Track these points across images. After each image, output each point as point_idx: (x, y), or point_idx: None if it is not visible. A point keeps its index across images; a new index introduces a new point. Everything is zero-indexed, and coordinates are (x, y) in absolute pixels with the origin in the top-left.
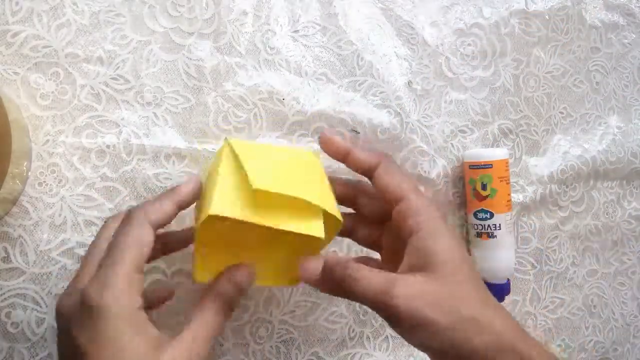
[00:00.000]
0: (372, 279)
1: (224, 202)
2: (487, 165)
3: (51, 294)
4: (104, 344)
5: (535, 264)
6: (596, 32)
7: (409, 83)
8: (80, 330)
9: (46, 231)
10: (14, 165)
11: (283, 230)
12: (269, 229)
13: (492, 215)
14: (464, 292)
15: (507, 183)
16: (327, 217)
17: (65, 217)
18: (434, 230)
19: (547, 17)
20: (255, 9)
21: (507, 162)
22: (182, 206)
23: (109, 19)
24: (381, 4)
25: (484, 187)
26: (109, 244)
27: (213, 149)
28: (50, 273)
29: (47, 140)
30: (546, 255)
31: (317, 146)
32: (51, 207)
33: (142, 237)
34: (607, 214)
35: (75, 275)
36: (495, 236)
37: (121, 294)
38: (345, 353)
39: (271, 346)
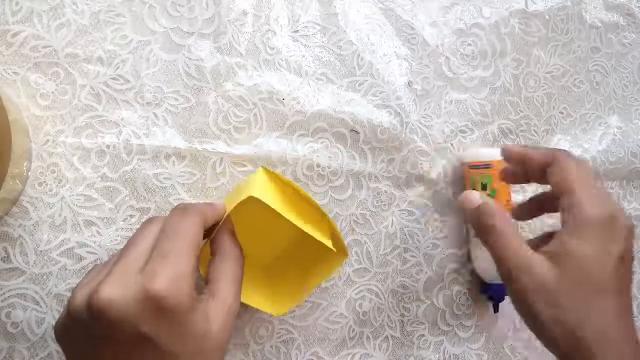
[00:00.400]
0: (508, 251)
1: (263, 193)
2: (488, 165)
3: (51, 294)
4: (189, 339)
5: None
6: (596, 32)
7: (409, 83)
8: (161, 331)
9: (46, 231)
10: (14, 165)
11: (298, 249)
12: (287, 245)
13: None
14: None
15: (501, 179)
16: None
17: (65, 217)
18: (588, 232)
19: (547, 17)
20: (255, 9)
21: None
22: (217, 221)
23: (109, 19)
24: (381, 4)
25: (484, 187)
26: (167, 231)
27: (213, 149)
28: (50, 273)
29: (47, 140)
30: None
31: (317, 146)
32: (51, 207)
33: (200, 231)
34: None
35: (111, 264)
36: None
37: (191, 287)
38: (345, 353)
39: (271, 346)
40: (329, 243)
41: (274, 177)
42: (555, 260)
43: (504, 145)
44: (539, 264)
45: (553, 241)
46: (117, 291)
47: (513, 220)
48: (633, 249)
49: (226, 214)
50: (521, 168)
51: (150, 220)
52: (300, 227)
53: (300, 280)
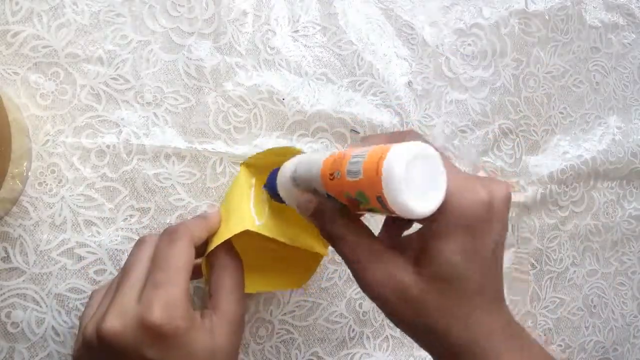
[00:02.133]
0: (353, 248)
1: (255, 218)
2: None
3: (51, 294)
4: (196, 357)
5: (535, 264)
6: (596, 32)
7: (409, 83)
8: (166, 355)
9: (46, 231)
10: (14, 165)
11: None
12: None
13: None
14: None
15: None
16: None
17: (65, 217)
18: (449, 223)
19: (547, 17)
20: (255, 9)
21: None
22: (210, 233)
23: (109, 19)
24: (381, 4)
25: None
26: (158, 261)
27: (213, 149)
28: (50, 273)
29: (47, 140)
30: (546, 255)
31: (316, 146)
32: (51, 207)
33: (190, 253)
34: (607, 214)
35: (112, 291)
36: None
37: (187, 310)
38: (345, 353)
39: (271, 346)
40: (320, 249)
41: (257, 172)
42: (420, 264)
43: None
44: (403, 273)
45: (418, 239)
46: (118, 322)
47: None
48: (506, 230)
49: (219, 236)
50: None
51: (142, 242)
52: (291, 243)
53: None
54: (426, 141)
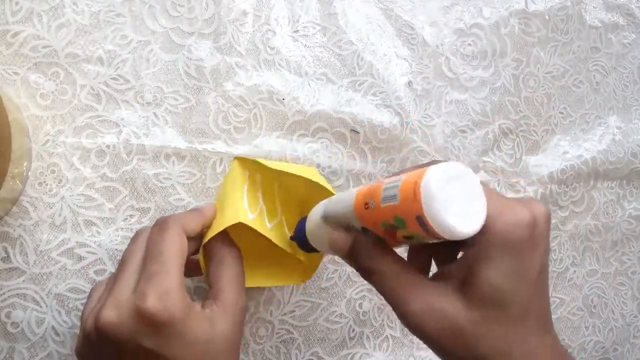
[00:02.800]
0: (392, 281)
1: (247, 211)
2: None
3: (51, 294)
4: (195, 346)
5: None
6: (596, 32)
7: (409, 83)
8: (164, 344)
9: (46, 231)
10: (14, 165)
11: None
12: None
13: None
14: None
15: None
16: None
17: (65, 217)
18: (492, 246)
19: (547, 17)
20: (255, 9)
21: None
22: (205, 226)
23: (109, 19)
24: (381, 4)
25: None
26: (150, 251)
27: (213, 149)
28: (50, 273)
29: (47, 140)
30: None
31: (316, 146)
32: (51, 207)
33: (182, 242)
34: (607, 214)
35: (111, 284)
36: None
37: (182, 298)
38: (345, 353)
39: (271, 346)
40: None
41: (251, 167)
42: (464, 292)
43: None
44: (446, 302)
45: (459, 266)
46: (114, 313)
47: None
48: (549, 251)
49: (213, 228)
50: None
51: (137, 234)
52: (282, 246)
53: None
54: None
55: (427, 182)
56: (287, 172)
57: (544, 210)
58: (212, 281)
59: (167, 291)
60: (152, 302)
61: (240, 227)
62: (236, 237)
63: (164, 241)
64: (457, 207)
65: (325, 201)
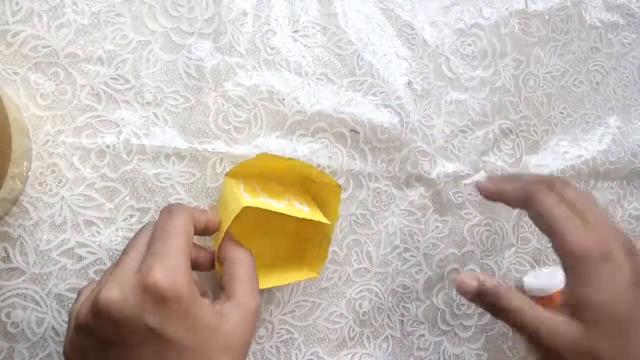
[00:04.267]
0: (524, 315)
1: (247, 197)
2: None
3: (51, 294)
4: (199, 331)
5: (534, 264)
6: (596, 32)
7: (409, 83)
8: (167, 322)
9: (46, 231)
10: (14, 165)
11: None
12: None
13: None
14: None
15: None
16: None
17: (65, 217)
18: (587, 275)
19: (547, 17)
20: (255, 9)
21: None
22: (210, 226)
23: (109, 19)
24: (381, 4)
25: None
26: (157, 233)
27: (213, 149)
28: (50, 273)
29: (47, 140)
30: (545, 255)
31: (316, 146)
32: (51, 207)
33: (189, 227)
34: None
35: (118, 264)
36: None
37: (189, 280)
38: (345, 353)
39: (271, 346)
40: (320, 217)
41: (243, 174)
42: (577, 315)
43: (480, 184)
44: (564, 325)
45: (564, 295)
46: (116, 291)
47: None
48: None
49: (223, 229)
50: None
51: (143, 227)
52: (295, 214)
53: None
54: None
55: None
56: (280, 210)
57: (622, 240)
58: (225, 281)
59: (175, 268)
60: (160, 276)
61: (248, 231)
62: (245, 242)
63: (172, 223)
64: None
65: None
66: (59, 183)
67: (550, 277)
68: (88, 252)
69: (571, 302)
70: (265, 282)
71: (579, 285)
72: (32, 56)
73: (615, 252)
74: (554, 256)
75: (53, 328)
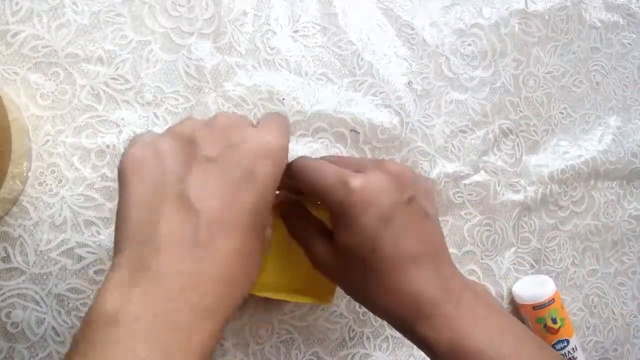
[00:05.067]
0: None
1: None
2: (551, 301)
3: (51, 294)
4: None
5: (534, 264)
6: (596, 32)
7: (409, 83)
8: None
9: (46, 231)
10: (14, 165)
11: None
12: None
13: (568, 342)
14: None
15: (562, 306)
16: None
17: (65, 217)
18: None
19: (547, 17)
20: (255, 9)
21: (556, 291)
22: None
23: (109, 19)
24: (381, 4)
25: (554, 321)
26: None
27: None
28: (50, 273)
29: (47, 140)
30: (545, 255)
31: (316, 146)
32: (51, 207)
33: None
34: (607, 214)
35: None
36: (576, 357)
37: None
38: (345, 353)
39: (271, 346)
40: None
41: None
42: (339, 256)
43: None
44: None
45: (334, 236)
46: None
47: None
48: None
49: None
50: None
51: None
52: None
53: None
54: None
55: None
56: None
57: (364, 179)
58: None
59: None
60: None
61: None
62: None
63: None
64: None
65: None
66: (59, 183)
67: (540, 286)
68: (88, 252)
69: (337, 244)
70: (282, 295)
71: (343, 230)
72: (32, 56)
73: (361, 197)
74: (554, 256)
75: (53, 328)
